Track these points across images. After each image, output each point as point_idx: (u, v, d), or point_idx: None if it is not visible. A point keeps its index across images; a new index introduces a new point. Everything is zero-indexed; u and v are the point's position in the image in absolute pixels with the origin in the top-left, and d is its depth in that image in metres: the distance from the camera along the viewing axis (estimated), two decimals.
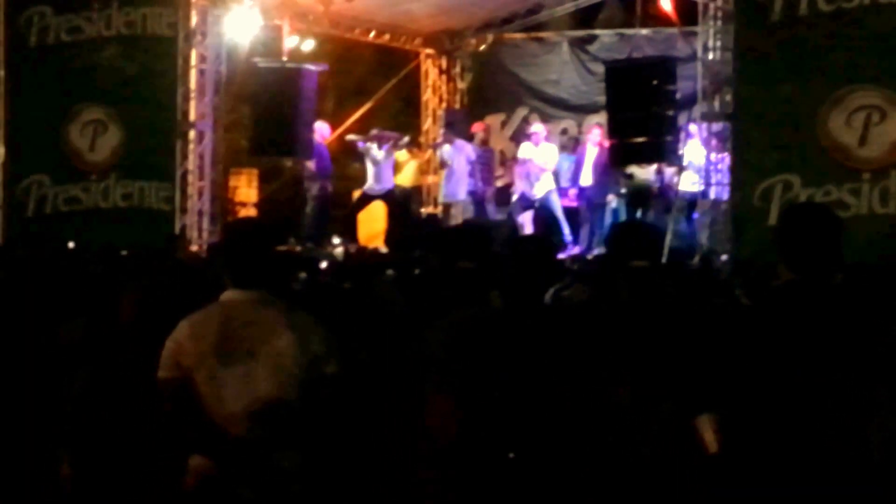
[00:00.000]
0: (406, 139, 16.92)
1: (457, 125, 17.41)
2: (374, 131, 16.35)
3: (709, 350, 3.79)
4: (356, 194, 17.19)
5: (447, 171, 16.58)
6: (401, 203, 16.75)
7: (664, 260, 10.11)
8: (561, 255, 12.86)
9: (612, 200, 15.48)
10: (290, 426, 4.00)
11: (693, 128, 14.64)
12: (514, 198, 16.26)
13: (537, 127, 16.39)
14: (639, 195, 14.98)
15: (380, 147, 16.11)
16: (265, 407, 3.97)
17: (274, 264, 4.25)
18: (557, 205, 15.65)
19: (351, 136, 16.81)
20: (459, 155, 16.45)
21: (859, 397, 3.51)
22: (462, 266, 5.02)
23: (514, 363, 4.15)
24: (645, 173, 14.94)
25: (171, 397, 4.08)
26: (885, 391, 3.53)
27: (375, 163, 16.14)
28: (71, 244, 12.19)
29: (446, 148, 16.53)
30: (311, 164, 15.96)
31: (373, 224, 16.98)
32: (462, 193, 16.51)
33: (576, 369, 4.14)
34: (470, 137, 17.31)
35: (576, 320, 4.60)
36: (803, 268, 3.68)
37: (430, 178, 18.76)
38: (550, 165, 15.71)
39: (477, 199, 16.86)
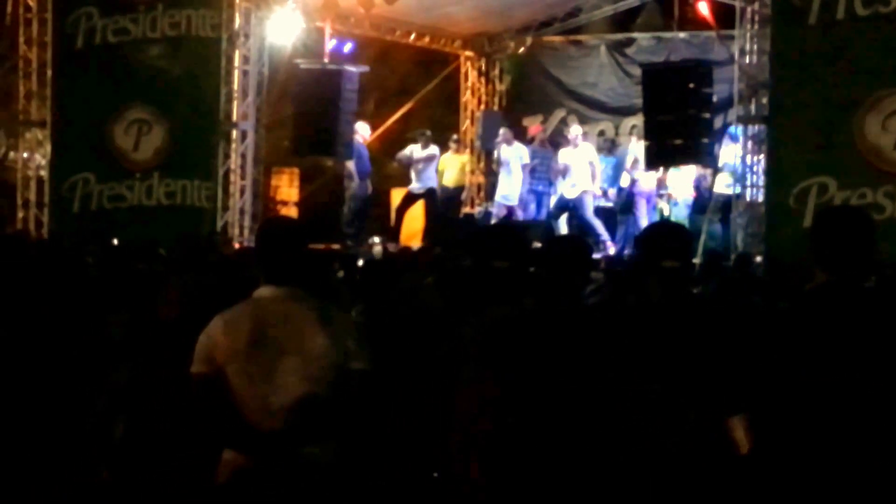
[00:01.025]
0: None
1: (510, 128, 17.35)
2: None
3: (741, 350, 3.82)
4: (395, 193, 17.28)
5: (503, 173, 16.50)
6: (440, 202, 16.80)
7: (697, 260, 10.16)
8: (596, 255, 12.92)
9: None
10: (322, 421, 4.00)
11: (733, 129, 14.64)
12: (553, 199, 16.31)
13: (575, 129, 16.35)
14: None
15: (423, 148, 16.27)
16: (296, 402, 3.96)
17: (307, 261, 4.22)
18: (590, 206, 15.60)
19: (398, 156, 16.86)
20: (515, 157, 16.41)
21: (891, 399, 3.53)
22: (496, 265, 5.09)
23: (546, 361, 4.22)
24: (648, 177, 15.08)
25: (205, 392, 4.06)
26: None
27: (416, 164, 16.32)
28: (115, 241, 12.32)
29: (504, 148, 16.50)
30: (351, 164, 16.06)
31: (412, 223, 17.07)
32: (516, 197, 16.42)
33: (605, 367, 4.18)
34: (530, 140, 17.30)
35: (607, 320, 4.66)
36: (837, 270, 3.69)
37: (476, 178, 18.79)
38: (585, 165, 15.70)
39: (539, 197, 16.81)
